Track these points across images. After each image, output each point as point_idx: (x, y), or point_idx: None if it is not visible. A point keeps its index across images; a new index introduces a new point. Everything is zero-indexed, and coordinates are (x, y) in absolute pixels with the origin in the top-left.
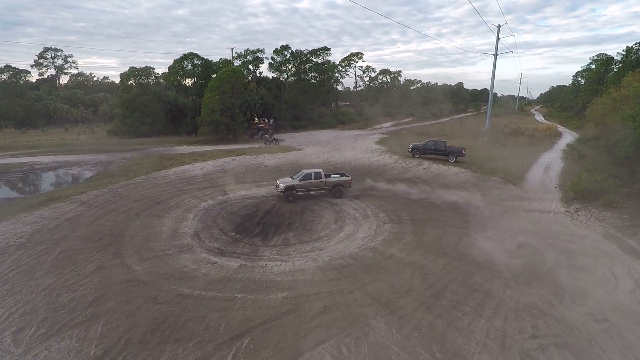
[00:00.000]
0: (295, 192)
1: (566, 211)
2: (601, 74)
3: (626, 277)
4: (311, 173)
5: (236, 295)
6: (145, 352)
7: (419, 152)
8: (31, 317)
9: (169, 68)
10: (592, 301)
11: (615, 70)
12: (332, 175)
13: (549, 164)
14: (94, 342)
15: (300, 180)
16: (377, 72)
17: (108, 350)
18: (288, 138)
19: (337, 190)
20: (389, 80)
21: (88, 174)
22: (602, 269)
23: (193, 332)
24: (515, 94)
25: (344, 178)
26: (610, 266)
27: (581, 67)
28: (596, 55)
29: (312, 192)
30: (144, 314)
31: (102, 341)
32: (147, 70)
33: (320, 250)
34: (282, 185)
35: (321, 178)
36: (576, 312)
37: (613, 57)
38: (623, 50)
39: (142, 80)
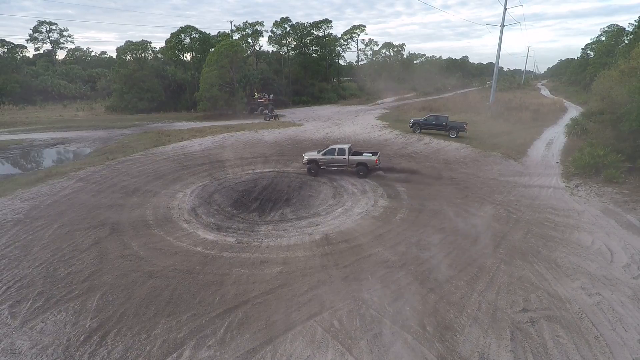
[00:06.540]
0: (317, 166)
1: (566, 186)
2: (611, 46)
3: (621, 251)
4: (335, 149)
5: (231, 269)
6: (139, 324)
7: (420, 127)
8: (28, 291)
9: (166, 42)
10: (585, 275)
11: (626, 42)
12: (364, 154)
13: (552, 139)
14: (90, 315)
15: (323, 154)
16: (380, 45)
17: (103, 323)
18: (288, 114)
19: (361, 170)
20: (392, 54)
21: (86, 151)
22: (598, 243)
23: (187, 305)
24: (522, 68)
25: (367, 157)
26: (607, 241)
27: (591, 40)
28: (607, 27)
29: (334, 168)
30: (139, 287)
31: (97, 314)
32: (144, 44)
33: (316, 225)
34: (305, 158)
35: (344, 155)
36: (569, 286)
37: (624, 28)
38: (635, 21)
39: (139, 54)
